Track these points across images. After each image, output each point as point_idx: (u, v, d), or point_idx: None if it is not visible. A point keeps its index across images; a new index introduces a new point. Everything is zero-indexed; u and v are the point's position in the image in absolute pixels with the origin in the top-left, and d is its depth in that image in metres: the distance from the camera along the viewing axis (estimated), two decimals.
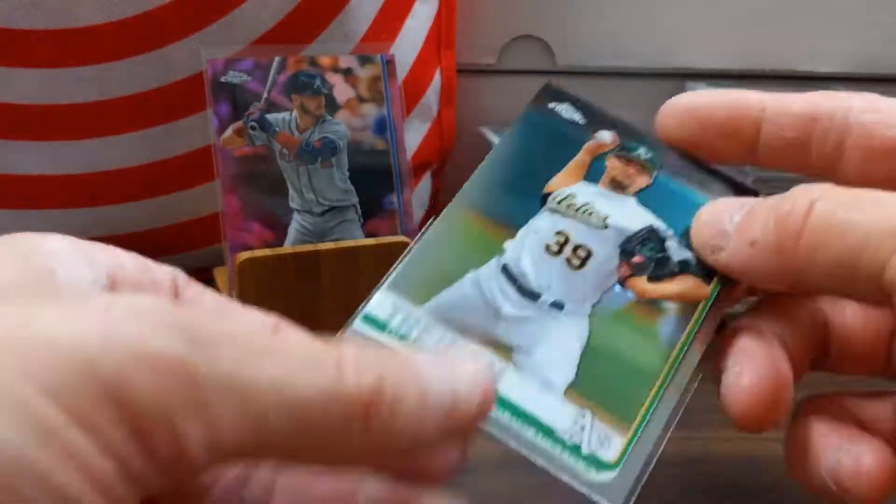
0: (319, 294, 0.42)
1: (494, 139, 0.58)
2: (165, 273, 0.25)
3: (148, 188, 0.50)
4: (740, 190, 0.31)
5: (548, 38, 0.65)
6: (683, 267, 0.31)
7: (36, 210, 0.50)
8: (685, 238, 0.30)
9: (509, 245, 0.31)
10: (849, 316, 0.29)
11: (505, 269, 0.31)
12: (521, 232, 0.32)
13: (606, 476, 0.25)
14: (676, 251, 0.31)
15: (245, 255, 0.42)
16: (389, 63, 0.47)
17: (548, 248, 0.32)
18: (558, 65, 0.65)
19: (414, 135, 0.57)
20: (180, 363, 0.18)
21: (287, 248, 0.44)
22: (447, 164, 0.62)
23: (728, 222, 0.26)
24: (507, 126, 0.62)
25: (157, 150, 0.50)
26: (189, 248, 0.51)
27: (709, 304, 0.29)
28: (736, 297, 0.28)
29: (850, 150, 0.27)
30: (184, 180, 0.51)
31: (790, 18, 0.65)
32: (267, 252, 0.43)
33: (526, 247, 0.32)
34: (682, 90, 0.65)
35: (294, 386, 0.19)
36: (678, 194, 0.32)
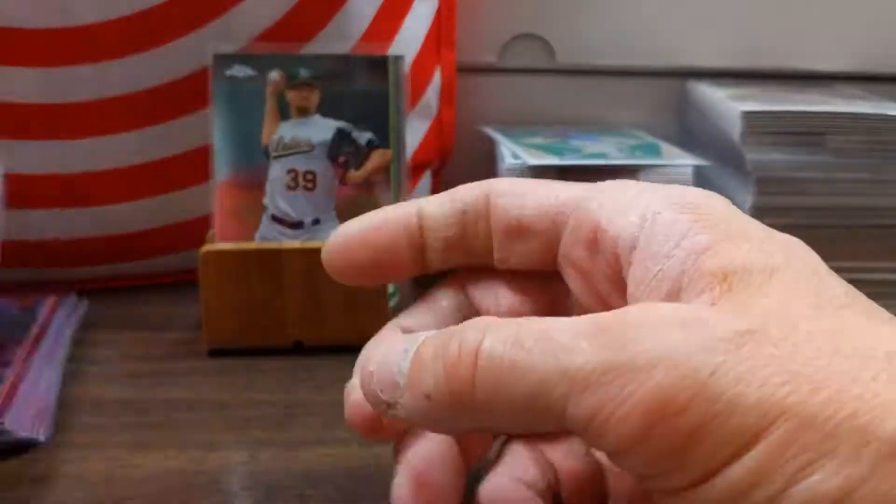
0: (280, 292, 0.42)
1: (496, 138, 0.58)
2: None
3: (146, 188, 0.50)
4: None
5: (549, 36, 0.65)
6: (370, 144, 0.42)
7: (34, 210, 0.50)
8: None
9: (266, 200, 0.43)
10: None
11: (273, 217, 0.43)
12: (267, 186, 0.43)
13: None
14: (361, 136, 0.43)
15: (208, 247, 0.42)
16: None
17: (288, 186, 0.43)
18: (559, 63, 0.65)
19: (414, 134, 0.57)
20: None
21: (252, 243, 0.44)
22: (447, 163, 0.62)
23: (397, 373, 0.23)
24: (508, 125, 0.62)
25: (156, 150, 0.50)
26: (188, 248, 0.51)
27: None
28: None
29: (494, 233, 0.27)
30: (182, 179, 0.50)
31: (792, 17, 0.65)
32: (230, 246, 0.43)
33: (276, 193, 0.43)
34: (683, 89, 0.65)
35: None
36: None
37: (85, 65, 0.47)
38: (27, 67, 0.47)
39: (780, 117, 0.51)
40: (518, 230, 0.27)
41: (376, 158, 0.44)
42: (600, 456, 0.27)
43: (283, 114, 0.44)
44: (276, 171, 0.44)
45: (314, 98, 0.45)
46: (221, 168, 0.44)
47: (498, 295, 0.28)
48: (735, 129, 0.52)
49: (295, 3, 0.49)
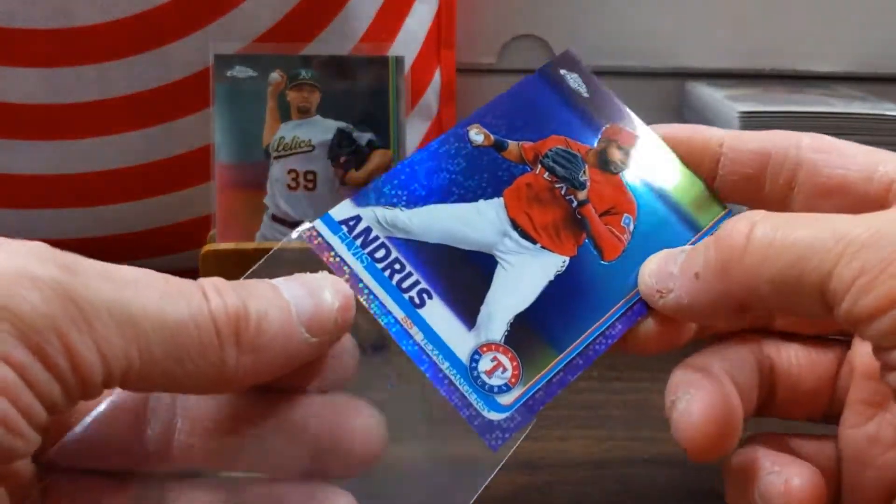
0: None
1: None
2: None
3: (147, 188, 0.50)
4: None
5: (548, 37, 0.65)
6: (371, 145, 0.42)
7: (35, 210, 0.50)
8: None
9: (267, 200, 0.43)
10: (794, 360, 0.30)
11: (274, 217, 0.44)
12: (268, 186, 0.43)
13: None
14: (361, 137, 0.43)
15: (209, 247, 0.43)
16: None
17: (288, 186, 0.43)
18: None
19: (414, 134, 0.57)
20: (59, 285, 0.20)
21: (252, 244, 0.44)
22: None
23: (673, 264, 0.26)
24: None
25: (157, 150, 0.50)
26: (188, 248, 0.51)
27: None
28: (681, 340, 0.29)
29: (799, 185, 0.28)
30: (183, 180, 0.50)
31: (790, 18, 0.65)
32: (231, 246, 0.43)
33: (277, 193, 0.43)
34: (681, 89, 0.65)
35: (166, 311, 0.21)
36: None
37: (86, 65, 0.47)
38: (28, 68, 0.47)
39: (778, 118, 0.52)
40: (833, 190, 0.27)
41: (377, 159, 0.44)
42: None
43: (284, 114, 0.45)
44: (277, 172, 0.44)
45: (315, 98, 0.45)
46: (222, 168, 0.44)
47: (791, 351, 0.30)
48: (733, 129, 0.52)
49: (296, 4, 0.49)
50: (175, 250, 0.52)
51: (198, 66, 0.48)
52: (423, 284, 0.27)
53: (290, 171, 0.44)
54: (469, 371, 0.26)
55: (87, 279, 0.21)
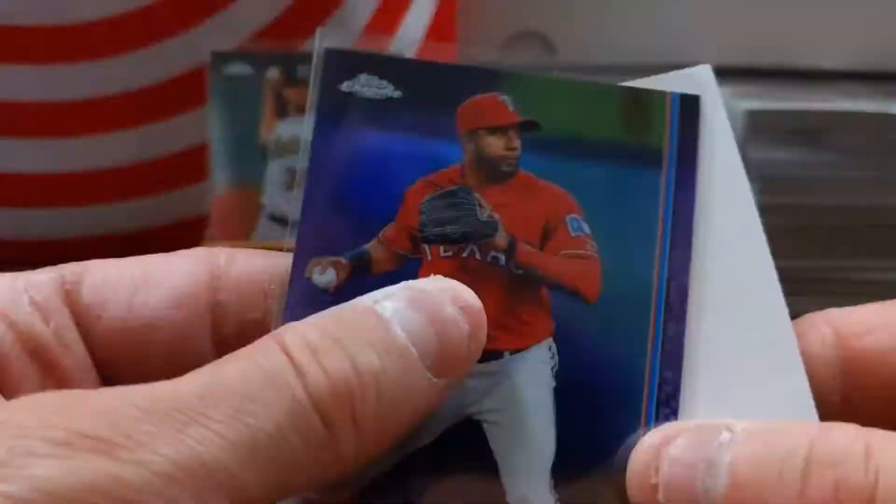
0: None
1: None
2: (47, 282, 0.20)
3: (143, 186, 0.50)
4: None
5: (550, 33, 0.65)
6: None
7: (31, 209, 0.50)
8: None
9: (265, 199, 0.42)
10: None
11: (271, 217, 0.42)
12: (266, 185, 0.42)
13: None
14: None
15: (206, 246, 0.42)
16: None
17: (286, 185, 0.41)
18: (560, 61, 0.65)
19: None
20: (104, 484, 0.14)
21: (248, 242, 0.44)
22: None
23: (707, 474, 0.17)
24: None
25: (153, 148, 0.49)
26: (185, 248, 0.51)
27: None
28: None
29: None
30: (180, 178, 0.50)
31: (796, 14, 0.65)
32: (227, 245, 0.43)
33: (275, 192, 0.42)
34: None
35: (253, 430, 0.16)
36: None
37: (81, 62, 0.47)
38: (23, 65, 0.47)
39: (783, 115, 0.51)
40: None
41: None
42: None
43: (282, 112, 0.44)
44: (275, 170, 0.44)
45: None
46: (219, 167, 0.44)
47: None
48: (738, 127, 0.52)
49: (294, 1, 0.49)
50: (171, 250, 0.52)
51: (194, 64, 0.47)
52: None
53: (287, 170, 0.44)
54: None
55: (127, 452, 0.15)
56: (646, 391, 0.19)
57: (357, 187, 0.20)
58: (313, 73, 0.20)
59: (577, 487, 0.18)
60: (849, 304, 0.26)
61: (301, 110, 0.49)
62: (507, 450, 0.19)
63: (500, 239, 0.20)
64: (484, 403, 0.19)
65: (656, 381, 0.19)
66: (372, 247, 0.20)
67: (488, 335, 0.19)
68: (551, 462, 0.18)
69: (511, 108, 0.21)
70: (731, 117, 0.54)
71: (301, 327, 0.17)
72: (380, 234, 0.20)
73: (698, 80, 0.22)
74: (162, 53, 0.47)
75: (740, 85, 0.60)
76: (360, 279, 0.19)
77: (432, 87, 0.20)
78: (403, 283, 0.18)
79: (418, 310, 0.18)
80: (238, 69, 0.45)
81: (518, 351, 0.19)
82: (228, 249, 0.21)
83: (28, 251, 0.49)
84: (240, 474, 0.15)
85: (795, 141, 0.51)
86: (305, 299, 0.19)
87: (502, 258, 0.20)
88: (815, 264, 0.50)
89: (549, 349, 0.19)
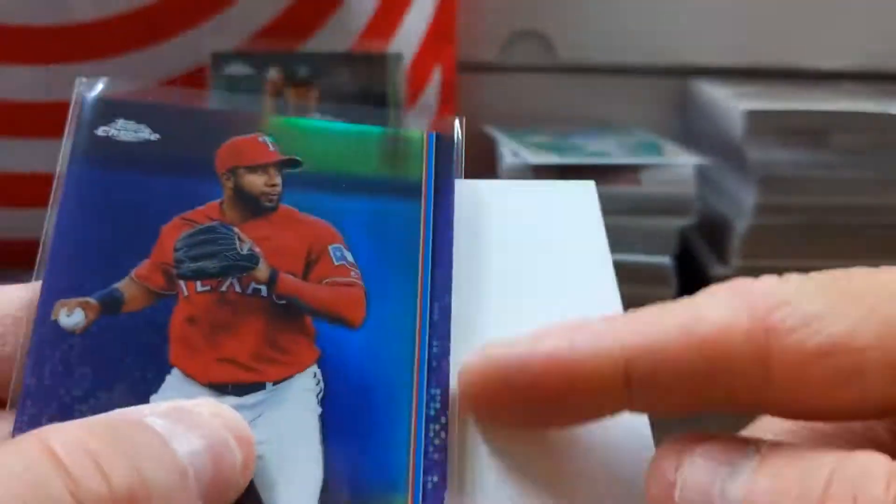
0: None
1: (496, 137, 0.57)
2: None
3: None
4: None
5: (550, 33, 0.65)
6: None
7: (31, 209, 0.49)
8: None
9: None
10: None
11: None
12: None
13: None
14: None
15: None
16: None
17: None
18: (560, 61, 0.65)
19: None
20: None
21: None
22: None
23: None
24: (508, 124, 0.61)
25: None
26: None
27: None
28: None
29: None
30: None
31: (796, 15, 0.65)
32: None
33: None
34: (685, 87, 0.64)
35: None
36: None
37: (83, 62, 0.47)
38: (24, 65, 0.46)
39: (782, 116, 0.51)
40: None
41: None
42: None
43: (282, 112, 0.44)
44: None
45: (313, 96, 0.45)
46: None
47: None
48: (737, 127, 0.52)
49: (293, 1, 0.49)
50: None
51: (195, 64, 0.47)
52: None
53: None
54: None
55: None
56: (414, 409, 0.19)
57: (110, 227, 0.20)
58: (70, 118, 0.21)
59: None
60: None
61: (301, 110, 0.49)
62: (271, 482, 0.18)
63: (261, 271, 0.20)
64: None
65: (424, 399, 0.19)
66: (124, 285, 0.19)
67: (251, 367, 0.19)
68: (319, 489, 0.18)
69: (272, 148, 0.21)
70: (732, 117, 0.54)
71: (74, 430, 0.16)
72: (132, 273, 0.19)
73: (583, 190, 0.23)
74: (162, 54, 0.47)
75: (740, 85, 0.60)
76: (112, 318, 0.19)
77: (191, 131, 0.21)
78: (172, 403, 0.18)
79: (193, 433, 0.17)
80: (238, 69, 0.45)
81: (281, 381, 0.19)
82: None
83: (28, 251, 0.49)
84: None
85: (795, 141, 0.51)
86: (51, 341, 0.19)
87: (263, 289, 0.20)
88: (815, 264, 0.50)
89: (315, 376, 0.19)
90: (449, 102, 0.61)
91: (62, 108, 0.52)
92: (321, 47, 0.49)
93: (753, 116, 0.51)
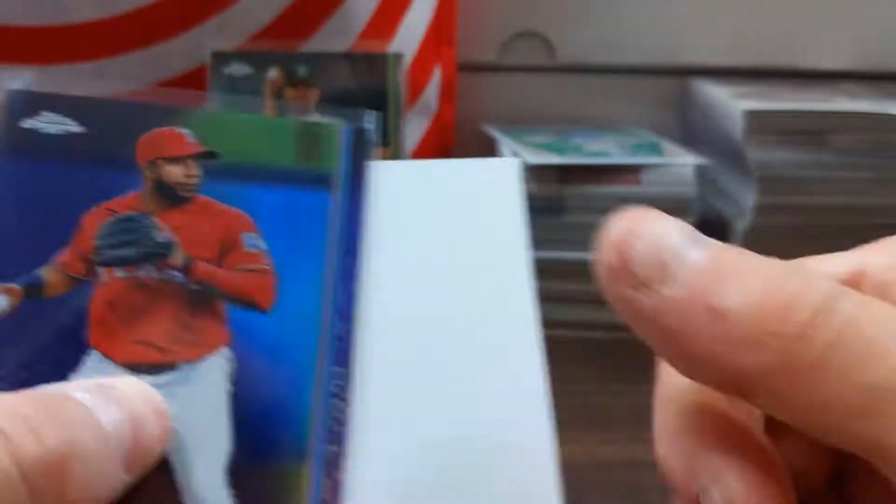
0: None
1: (496, 136, 0.57)
2: None
3: None
4: None
5: (549, 34, 0.65)
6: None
7: None
8: None
9: None
10: None
11: None
12: None
13: None
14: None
15: None
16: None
17: None
18: (560, 61, 0.65)
19: (413, 132, 0.57)
20: None
21: None
22: None
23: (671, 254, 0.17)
24: (508, 123, 0.61)
25: None
26: None
27: None
28: None
29: None
30: None
31: (796, 15, 0.65)
32: None
33: None
34: (685, 87, 0.64)
35: None
36: None
37: (82, 62, 0.47)
38: (24, 65, 0.46)
39: (782, 116, 0.51)
40: None
41: (376, 157, 0.44)
42: None
43: (282, 112, 0.44)
44: None
45: (313, 96, 0.45)
46: None
47: None
48: (737, 127, 0.52)
49: (294, 1, 0.49)
50: None
51: (195, 64, 0.47)
52: None
53: None
54: None
55: None
56: (317, 386, 0.20)
57: (31, 216, 0.21)
58: None
59: (251, 480, 0.19)
60: None
61: (301, 110, 0.49)
62: (182, 456, 0.19)
63: (176, 258, 0.21)
64: None
65: (327, 377, 0.20)
66: (45, 272, 0.20)
67: (164, 348, 0.20)
68: (226, 460, 0.20)
69: (191, 140, 0.22)
70: (732, 117, 0.54)
71: (9, 399, 0.17)
72: (54, 259, 0.20)
73: (506, 167, 0.23)
74: (163, 53, 0.47)
75: (739, 85, 0.60)
76: (35, 303, 0.20)
77: (113, 123, 0.22)
78: (95, 380, 0.19)
79: (115, 406, 0.18)
80: (238, 69, 0.45)
81: (192, 361, 0.20)
82: None
83: None
84: None
85: (795, 141, 0.51)
86: None
87: (178, 275, 0.21)
88: None
89: (226, 357, 0.20)
90: (449, 102, 0.61)
91: None
92: (321, 47, 0.49)
93: (753, 116, 0.51)
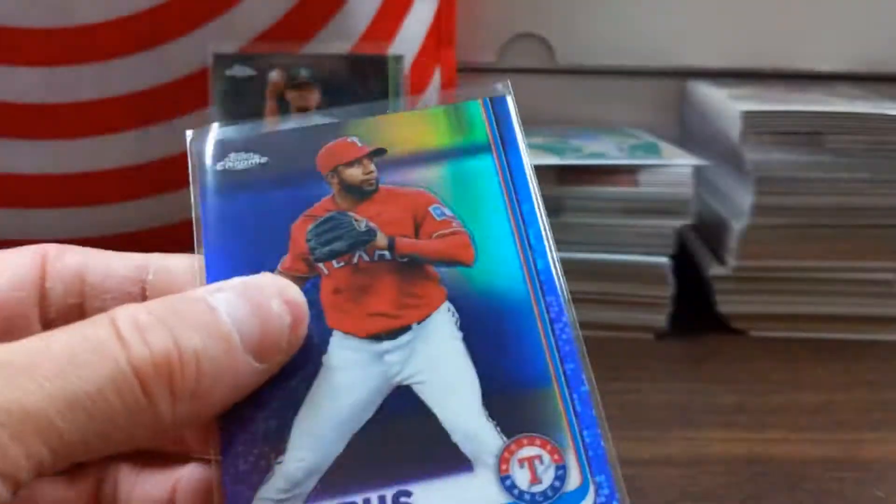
0: None
1: None
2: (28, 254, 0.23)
3: (145, 187, 0.50)
4: None
5: (548, 36, 0.65)
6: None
7: (33, 209, 0.50)
8: None
9: None
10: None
11: None
12: None
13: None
14: None
15: None
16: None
17: None
18: (559, 63, 0.65)
19: None
20: None
21: None
22: None
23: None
24: None
25: (156, 149, 0.50)
26: (187, 248, 0.51)
27: None
28: None
29: None
30: (182, 179, 0.50)
31: (792, 17, 0.65)
32: None
33: None
34: (683, 88, 0.65)
35: (74, 388, 0.18)
36: None
37: (85, 64, 0.47)
38: (27, 67, 0.47)
39: (779, 117, 0.51)
40: None
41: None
42: None
43: (283, 113, 0.44)
44: None
45: (314, 98, 0.45)
46: None
47: None
48: (735, 128, 0.52)
49: (295, 3, 0.49)
50: (173, 251, 0.52)
51: (197, 66, 0.48)
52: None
53: None
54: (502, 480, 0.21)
55: None
56: (538, 315, 0.23)
57: (249, 237, 0.24)
58: (190, 165, 0.25)
59: (507, 408, 0.22)
60: (839, 304, 0.26)
61: (303, 111, 0.49)
62: (439, 400, 0.22)
63: (381, 240, 0.24)
64: (406, 370, 0.22)
65: (543, 306, 0.23)
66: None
67: (395, 315, 0.23)
68: (480, 396, 0.22)
69: (360, 144, 0.25)
70: (729, 118, 0.54)
71: (133, 308, 0.20)
72: (278, 268, 0.23)
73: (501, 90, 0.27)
74: (164, 56, 0.48)
75: (738, 87, 0.61)
76: None
77: (290, 147, 0.25)
78: (240, 278, 0.22)
79: (246, 301, 0.21)
80: (240, 71, 0.45)
81: (423, 320, 0.23)
82: (58, 245, 0.23)
83: None
84: (58, 423, 0.17)
85: (792, 142, 0.51)
86: None
87: (387, 254, 0.24)
88: (811, 264, 0.50)
89: (449, 310, 0.23)
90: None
91: (64, 109, 0.52)
92: (322, 49, 0.49)
93: (751, 117, 0.51)
